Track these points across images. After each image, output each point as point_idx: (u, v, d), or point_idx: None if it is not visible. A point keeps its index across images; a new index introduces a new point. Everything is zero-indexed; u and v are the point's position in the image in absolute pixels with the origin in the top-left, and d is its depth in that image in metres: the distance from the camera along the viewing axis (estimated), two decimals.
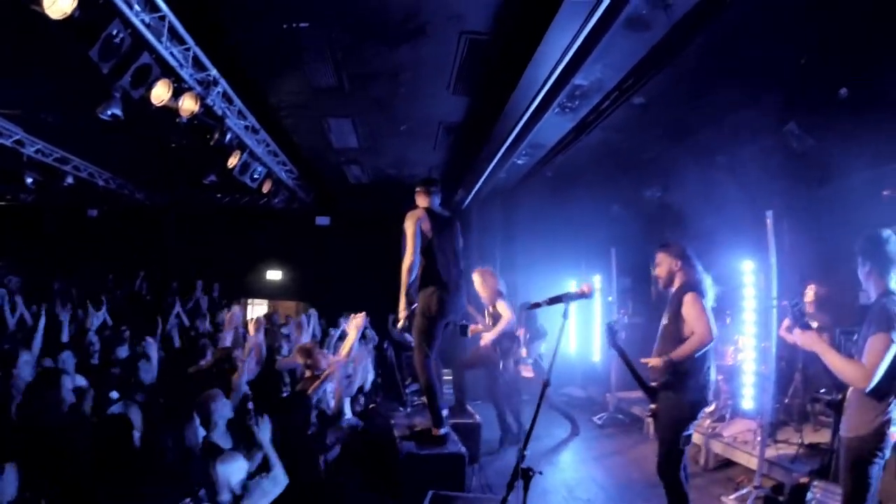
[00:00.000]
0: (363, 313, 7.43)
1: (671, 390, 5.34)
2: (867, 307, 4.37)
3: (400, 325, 6.72)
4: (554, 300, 4.77)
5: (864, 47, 6.53)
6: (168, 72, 7.69)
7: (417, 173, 13.98)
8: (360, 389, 8.80)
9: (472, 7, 6.65)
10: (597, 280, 13.45)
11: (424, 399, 6.98)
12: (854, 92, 7.18)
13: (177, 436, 5.22)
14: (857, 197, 8.28)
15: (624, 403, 11.64)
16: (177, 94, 7.96)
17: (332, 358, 7.26)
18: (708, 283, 5.51)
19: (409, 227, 6.44)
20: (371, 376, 9.21)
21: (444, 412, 6.95)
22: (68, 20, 5.75)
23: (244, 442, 4.95)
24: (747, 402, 8.91)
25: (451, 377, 9.72)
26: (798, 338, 4.50)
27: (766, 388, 7.91)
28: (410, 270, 6.40)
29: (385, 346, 12.68)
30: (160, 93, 7.72)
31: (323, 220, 17.73)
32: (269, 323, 14.34)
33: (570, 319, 12.08)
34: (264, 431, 4.86)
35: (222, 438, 5.16)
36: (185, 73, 7.95)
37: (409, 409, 8.90)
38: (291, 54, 8.06)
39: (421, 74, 8.54)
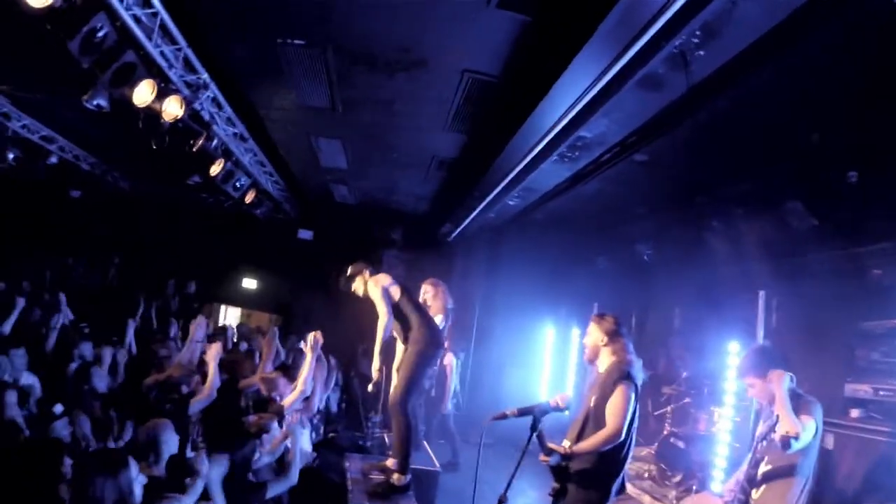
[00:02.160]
0: (318, 333, 7.25)
1: (584, 480, 4.83)
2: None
3: (371, 386, 6.71)
4: (524, 412, 4.42)
5: (877, 132, 6.30)
6: (154, 71, 7.31)
7: (406, 201, 13.91)
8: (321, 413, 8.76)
9: (479, 47, 6.37)
10: (575, 333, 13.19)
11: (386, 434, 7.13)
12: (863, 176, 6.92)
13: (108, 481, 4.75)
14: (846, 277, 8.01)
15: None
16: (161, 95, 7.55)
17: (286, 398, 6.98)
18: (637, 367, 5.05)
19: (377, 292, 6.54)
20: (326, 396, 9.01)
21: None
22: (49, 9, 5.37)
23: (183, 477, 4.67)
24: (716, 486, 8.61)
25: None
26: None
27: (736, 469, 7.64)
28: (385, 331, 6.44)
29: (351, 374, 12.39)
30: (143, 94, 7.32)
31: (305, 234, 17.17)
32: (238, 335, 14.02)
33: (544, 366, 11.73)
34: (215, 472, 4.70)
35: (162, 474, 4.83)
36: (174, 74, 7.61)
37: (369, 443, 8.63)
38: (284, 69, 7.76)
39: (417, 107, 8.28)
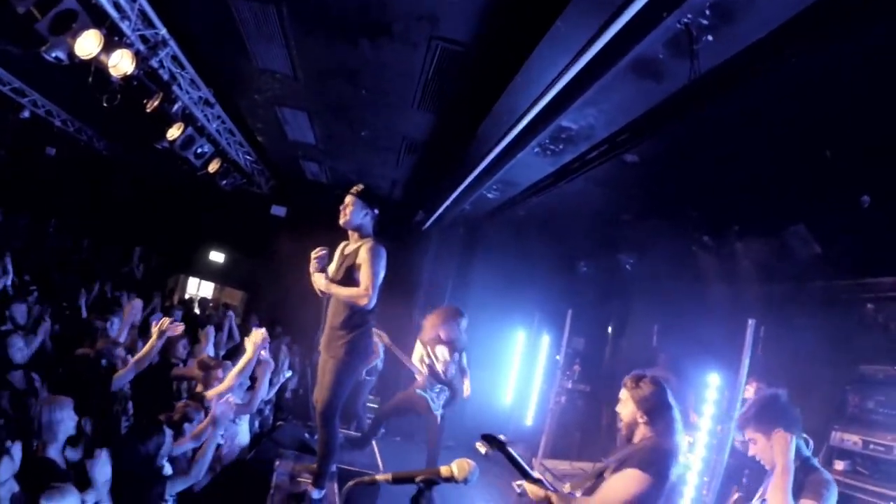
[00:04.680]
0: (263, 330, 6.82)
1: None
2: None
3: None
4: (401, 479, 3.43)
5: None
6: (104, 23, 6.76)
7: (380, 185, 13.39)
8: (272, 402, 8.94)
9: (448, 9, 5.60)
10: (545, 340, 12.52)
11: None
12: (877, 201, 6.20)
13: None
14: (846, 312, 7.47)
15: (550, 474, 10.53)
16: (109, 48, 6.95)
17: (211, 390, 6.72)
18: (675, 453, 4.01)
19: (375, 264, 5.39)
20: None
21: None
22: None
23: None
24: None
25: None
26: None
27: None
28: (355, 302, 5.39)
29: (307, 363, 11.94)
30: (88, 45, 6.74)
31: (279, 211, 16.55)
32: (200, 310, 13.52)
33: (511, 372, 11.09)
34: (101, 470, 4.30)
35: (59, 457, 4.57)
36: (127, 27, 7.03)
37: (316, 436, 8.22)
38: (240, 28, 7.18)
39: (384, 79, 7.69)
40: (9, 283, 8.84)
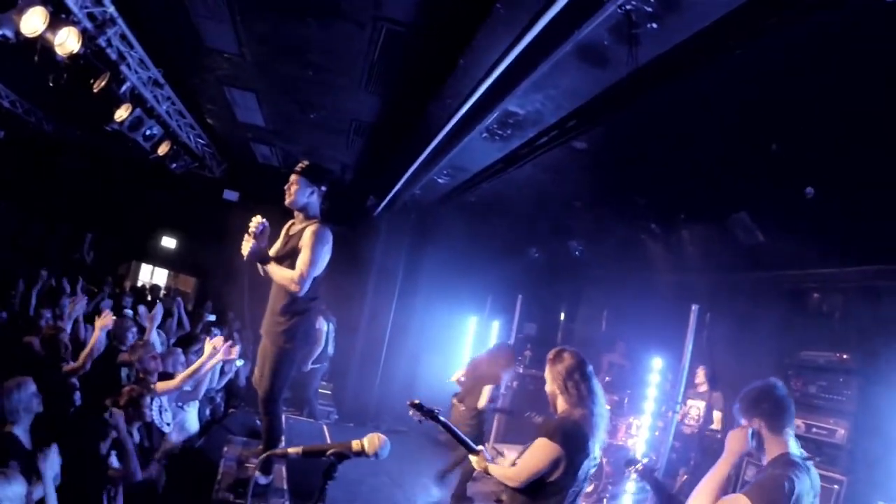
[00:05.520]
0: (226, 347, 6.73)
1: None
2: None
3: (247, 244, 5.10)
4: (312, 453, 3.41)
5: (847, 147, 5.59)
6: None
7: (331, 169, 12.95)
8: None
9: None
10: (495, 325, 12.57)
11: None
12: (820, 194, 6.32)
13: None
14: (790, 300, 7.84)
15: (503, 459, 10.63)
16: (55, 26, 6.76)
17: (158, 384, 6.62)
18: (587, 427, 4.11)
19: (316, 250, 5.08)
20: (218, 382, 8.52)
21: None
22: None
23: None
24: (628, 498, 8.47)
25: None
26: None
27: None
28: (286, 287, 5.04)
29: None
30: (33, 22, 6.56)
31: (231, 195, 16.12)
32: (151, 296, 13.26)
33: (464, 358, 11.09)
34: (49, 465, 4.14)
35: (24, 436, 4.57)
36: (74, 4, 6.86)
37: None
38: (187, 5, 7.03)
39: (331, 60, 7.57)
40: None
